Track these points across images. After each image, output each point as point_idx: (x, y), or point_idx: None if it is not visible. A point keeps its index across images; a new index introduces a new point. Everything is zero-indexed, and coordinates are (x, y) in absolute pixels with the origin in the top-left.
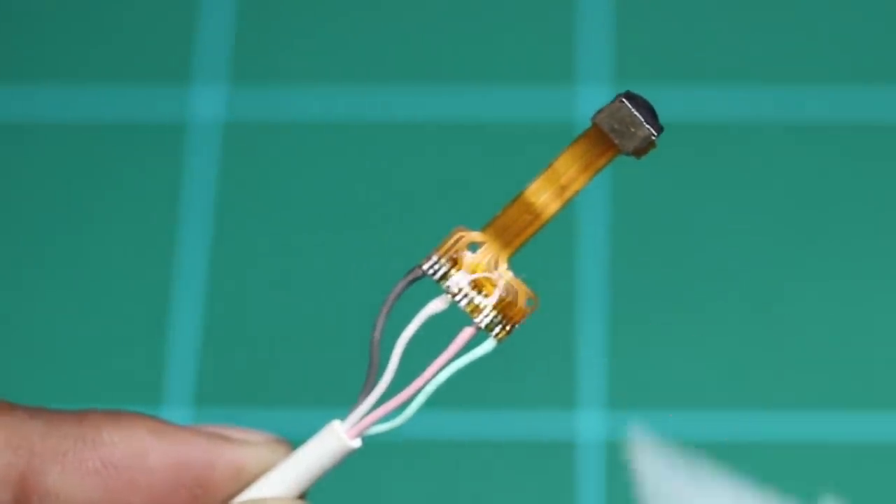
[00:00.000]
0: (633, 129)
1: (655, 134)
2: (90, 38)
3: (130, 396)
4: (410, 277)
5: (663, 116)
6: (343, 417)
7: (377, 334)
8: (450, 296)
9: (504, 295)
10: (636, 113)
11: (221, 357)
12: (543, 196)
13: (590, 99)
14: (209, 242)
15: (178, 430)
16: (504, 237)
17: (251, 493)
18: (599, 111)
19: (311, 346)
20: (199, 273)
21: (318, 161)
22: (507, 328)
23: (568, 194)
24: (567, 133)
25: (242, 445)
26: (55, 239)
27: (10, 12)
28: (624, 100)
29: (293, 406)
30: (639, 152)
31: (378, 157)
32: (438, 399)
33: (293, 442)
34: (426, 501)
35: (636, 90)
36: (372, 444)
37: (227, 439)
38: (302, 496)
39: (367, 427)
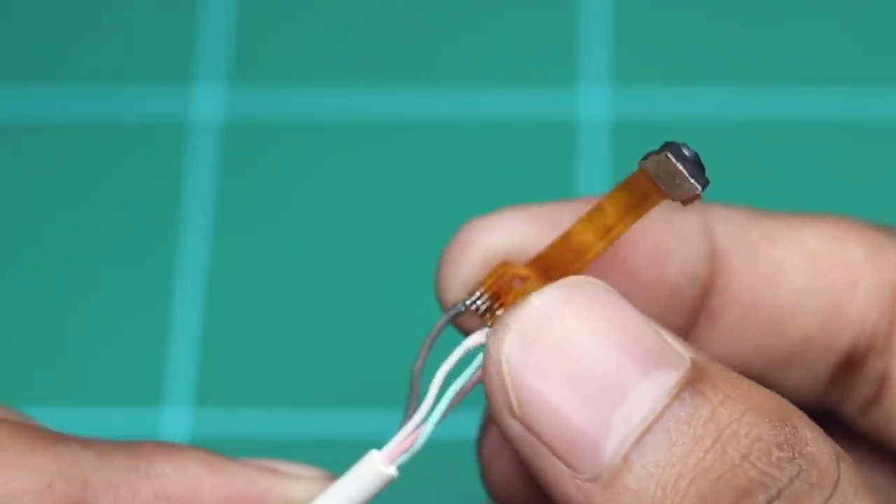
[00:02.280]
0: (678, 181)
1: (700, 189)
2: (90, 38)
3: (130, 396)
4: (453, 312)
5: (664, 116)
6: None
7: (418, 367)
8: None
9: None
10: (681, 167)
11: (221, 357)
12: (588, 236)
13: (590, 99)
14: (209, 242)
15: (230, 463)
16: (548, 273)
17: None
18: (646, 158)
19: (312, 346)
20: (199, 273)
21: (318, 161)
22: None
23: (612, 235)
24: (568, 133)
25: (293, 480)
26: (55, 239)
27: (10, 12)
28: (669, 154)
29: (293, 407)
30: (685, 202)
31: (378, 157)
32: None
33: (296, 443)
34: (427, 501)
35: (636, 90)
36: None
37: (278, 473)
38: None
39: (400, 454)
